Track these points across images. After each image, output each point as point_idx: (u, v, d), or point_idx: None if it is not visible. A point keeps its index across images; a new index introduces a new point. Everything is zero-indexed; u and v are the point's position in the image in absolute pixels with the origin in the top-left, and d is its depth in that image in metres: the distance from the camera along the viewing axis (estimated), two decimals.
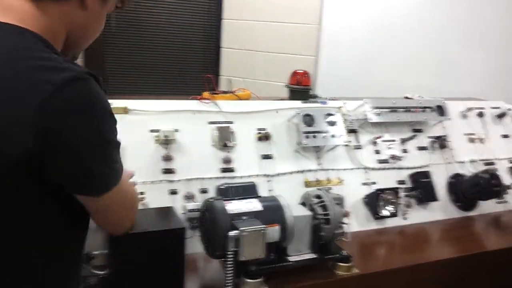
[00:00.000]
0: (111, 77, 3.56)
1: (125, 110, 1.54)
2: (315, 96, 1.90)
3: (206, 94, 1.72)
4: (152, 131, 1.55)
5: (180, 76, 3.59)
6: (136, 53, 3.53)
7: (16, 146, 0.75)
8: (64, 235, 0.89)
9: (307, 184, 1.68)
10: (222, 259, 1.30)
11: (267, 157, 1.66)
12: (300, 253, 1.39)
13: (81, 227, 0.95)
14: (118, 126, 1.34)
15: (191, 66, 3.60)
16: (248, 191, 1.37)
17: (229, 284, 1.22)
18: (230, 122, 1.66)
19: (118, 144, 0.89)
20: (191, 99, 1.69)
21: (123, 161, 1.43)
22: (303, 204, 1.48)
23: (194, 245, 1.38)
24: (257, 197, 1.36)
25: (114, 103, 1.52)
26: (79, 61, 3.50)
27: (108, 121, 0.84)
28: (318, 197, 1.43)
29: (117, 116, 1.45)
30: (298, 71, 1.92)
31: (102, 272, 1.24)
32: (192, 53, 3.60)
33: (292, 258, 1.37)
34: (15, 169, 0.76)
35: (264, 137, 1.67)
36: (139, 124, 1.54)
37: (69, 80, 0.76)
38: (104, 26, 1.00)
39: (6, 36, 0.80)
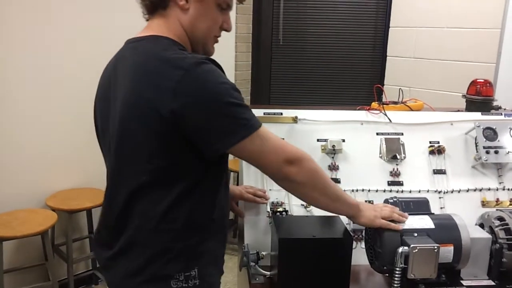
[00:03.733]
0: (278, 88, 3.73)
1: (295, 119, 1.60)
2: (498, 108, 1.72)
3: (374, 104, 1.69)
4: (319, 140, 1.57)
5: (345, 86, 3.60)
6: (302, 64, 3.66)
7: (166, 110, 1.03)
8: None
9: (485, 204, 1.53)
10: (388, 275, 1.26)
11: (439, 172, 1.56)
12: (475, 278, 1.27)
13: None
14: (287, 135, 1.42)
15: (356, 76, 3.58)
16: (419, 207, 1.30)
17: None
18: (400, 134, 1.60)
19: (236, 104, 1.06)
20: (358, 109, 1.67)
21: None
22: (481, 225, 1.35)
23: (357, 256, 1.36)
24: (430, 214, 1.28)
25: (284, 112, 1.61)
26: (244, 72, 3.75)
27: (221, 88, 1.06)
28: (501, 219, 1.29)
29: (286, 125, 1.58)
30: (478, 80, 1.76)
31: (269, 273, 1.31)
32: (358, 63, 3.59)
33: (466, 283, 1.26)
34: (167, 126, 1.05)
35: (436, 150, 1.57)
36: (307, 133, 1.58)
37: (193, 64, 1.04)
38: (215, 20, 1.19)
39: (148, 43, 1.14)
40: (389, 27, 3.33)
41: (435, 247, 1.14)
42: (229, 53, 3.55)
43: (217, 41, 1.24)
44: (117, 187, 1.17)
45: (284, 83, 3.72)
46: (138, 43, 1.16)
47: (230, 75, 3.58)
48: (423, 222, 1.23)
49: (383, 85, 3.32)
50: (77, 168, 2.77)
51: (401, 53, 3.29)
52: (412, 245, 1.13)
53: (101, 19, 2.74)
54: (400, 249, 1.14)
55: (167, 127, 1.05)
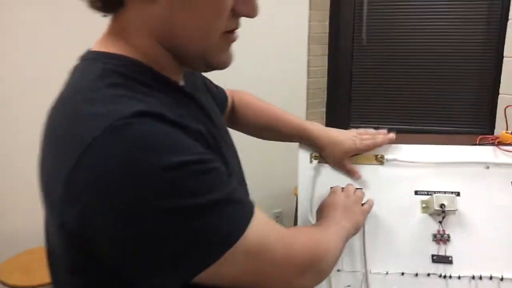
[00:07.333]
0: (360, 98, 3.19)
1: (379, 159, 1.09)
2: None
3: (506, 135, 1.11)
4: (418, 193, 1.06)
5: (447, 107, 2.92)
6: (391, 69, 3.07)
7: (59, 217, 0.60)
8: None
9: None
10: None
11: None
12: None
13: None
14: (366, 185, 1.06)
15: (461, 85, 2.90)
16: None
17: None
18: None
19: (187, 209, 0.55)
20: (478, 143, 1.11)
21: None
22: None
23: None
24: None
25: None
26: (319, 80, 3.23)
27: (160, 183, 0.54)
28: None
29: (367, 168, 1.05)
30: None
31: None
32: (463, 67, 2.91)
33: None
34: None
35: None
36: (399, 181, 1.07)
37: (107, 130, 0.54)
38: (222, 14, 0.64)
39: (78, 73, 0.67)
40: (507, 19, 2.64)
41: None
42: (301, 58, 3.07)
43: (234, 40, 0.68)
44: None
45: (367, 92, 3.17)
46: (74, 69, 0.69)
47: (302, 83, 3.11)
48: None
49: (497, 94, 2.62)
50: None
51: None
52: None
53: None
54: None
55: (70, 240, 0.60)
